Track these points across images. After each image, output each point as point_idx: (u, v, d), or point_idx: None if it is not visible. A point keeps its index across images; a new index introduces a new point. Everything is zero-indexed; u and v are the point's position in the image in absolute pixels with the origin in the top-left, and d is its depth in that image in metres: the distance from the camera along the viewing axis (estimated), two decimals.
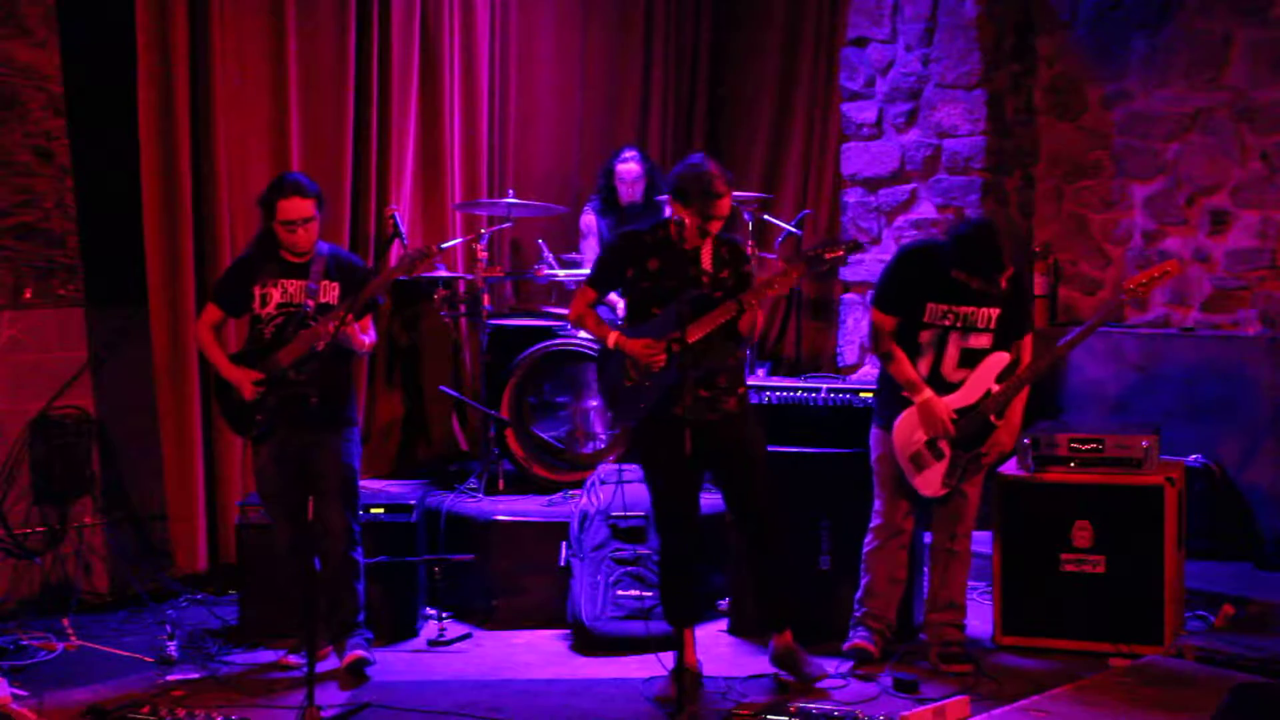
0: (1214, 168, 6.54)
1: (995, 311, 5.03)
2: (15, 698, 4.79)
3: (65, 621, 5.72)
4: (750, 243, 6.58)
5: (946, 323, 5.04)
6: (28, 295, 6.11)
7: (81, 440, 6.16)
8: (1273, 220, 6.40)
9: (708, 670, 5.12)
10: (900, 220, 7.18)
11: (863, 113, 7.31)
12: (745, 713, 4.64)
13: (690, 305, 4.68)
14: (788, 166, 7.98)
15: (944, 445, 5.05)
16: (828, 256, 4.74)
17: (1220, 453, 6.18)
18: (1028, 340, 5.17)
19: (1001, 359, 5.05)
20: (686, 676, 4.78)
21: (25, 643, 5.48)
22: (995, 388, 5.04)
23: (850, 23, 7.35)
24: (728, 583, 5.75)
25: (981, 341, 5.05)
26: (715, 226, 4.80)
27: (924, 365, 5.08)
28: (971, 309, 5.03)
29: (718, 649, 5.45)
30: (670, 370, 4.74)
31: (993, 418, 5.04)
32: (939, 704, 4.63)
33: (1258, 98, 6.40)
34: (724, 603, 5.78)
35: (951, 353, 5.06)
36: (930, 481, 5.09)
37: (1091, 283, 6.91)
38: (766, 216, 6.98)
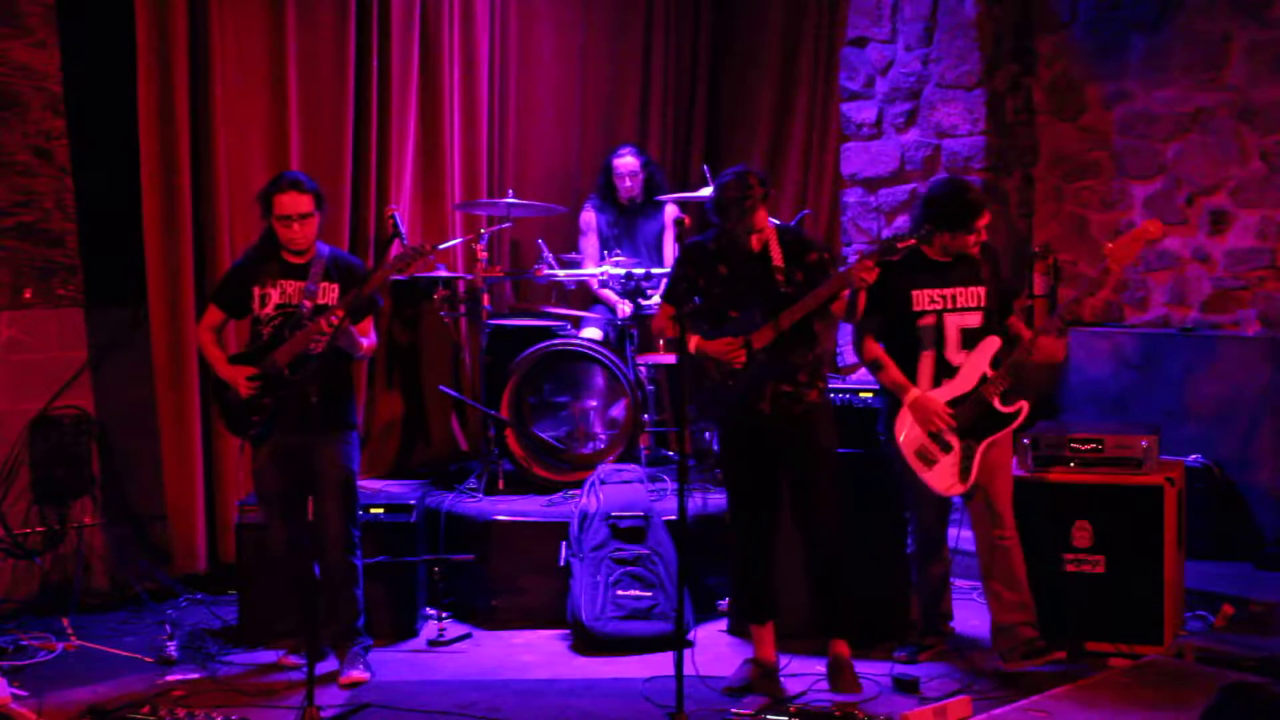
0: (1214, 168, 6.54)
1: (981, 290, 5.06)
2: (15, 698, 4.79)
3: (65, 621, 5.73)
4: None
5: (938, 306, 5.06)
6: (28, 295, 6.11)
7: (81, 440, 6.16)
8: (1273, 220, 6.40)
9: (708, 670, 5.12)
10: (900, 220, 7.18)
11: (862, 113, 7.31)
12: (745, 713, 4.65)
13: (763, 310, 4.81)
14: (788, 166, 7.97)
15: (951, 437, 5.04)
16: (900, 246, 4.74)
17: (1220, 453, 6.18)
18: (1016, 321, 5.17)
19: (994, 343, 5.05)
20: (763, 669, 4.99)
21: (25, 643, 5.48)
22: (990, 372, 5.03)
23: (850, 23, 7.36)
24: (727, 583, 5.74)
25: (975, 320, 5.06)
26: (754, 239, 4.85)
27: (928, 355, 5.07)
28: (957, 289, 5.06)
29: (717, 649, 5.45)
30: (750, 368, 4.84)
31: (996, 402, 5.01)
32: (940, 703, 4.63)
33: (1258, 98, 6.40)
34: (724, 603, 5.78)
35: (952, 335, 5.06)
36: (941, 477, 5.05)
37: (1091, 283, 6.89)
38: None
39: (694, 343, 4.93)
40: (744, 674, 5.02)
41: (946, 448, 5.04)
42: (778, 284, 4.86)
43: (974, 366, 5.04)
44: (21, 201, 6.07)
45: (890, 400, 5.17)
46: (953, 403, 5.04)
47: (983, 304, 5.06)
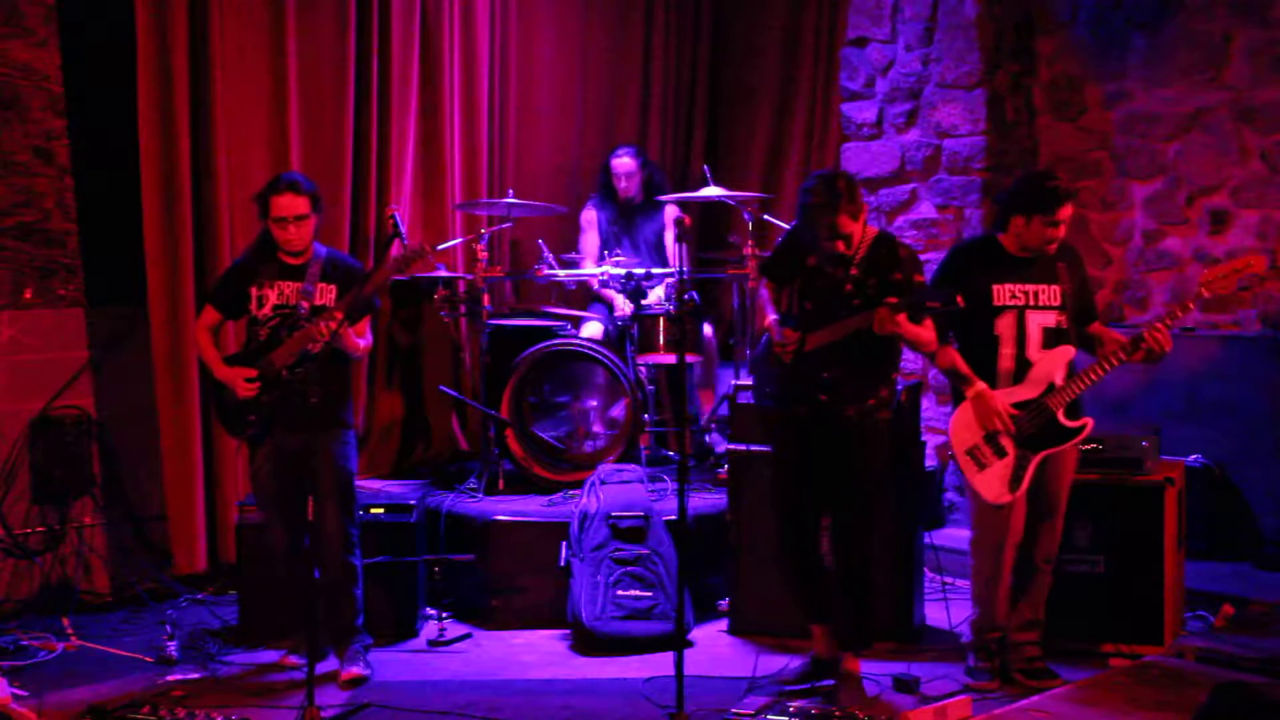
0: (1214, 168, 6.54)
1: (1058, 289, 4.88)
2: (15, 698, 4.79)
3: (65, 621, 5.73)
4: (749, 243, 6.58)
5: (1020, 302, 4.87)
6: (28, 295, 6.11)
7: (81, 440, 6.16)
8: (1273, 220, 6.40)
9: (708, 670, 5.14)
10: (900, 220, 7.17)
11: (863, 113, 7.31)
12: (746, 713, 4.64)
13: (826, 313, 4.74)
14: (788, 166, 7.98)
15: (1007, 442, 4.85)
16: (928, 305, 4.65)
17: (1220, 453, 6.18)
18: (1097, 327, 5.01)
19: (1068, 353, 4.86)
20: (818, 665, 4.95)
21: (25, 643, 5.49)
22: (1060, 382, 4.84)
23: (850, 23, 7.35)
24: (727, 583, 5.74)
25: (1056, 319, 4.87)
26: (838, 245, 4.74)
27: (1007, 351, 4.87)
28: (1038, 286, 4.88)
29: (717, 649, 5.44)
30: (795, 367, 4.79)
31: (1060, 414, 4.83)
32: (940, 704, 4.63)
33: (1258, 98, 6.39)
34: (724, 603, 5.78)
35: (1034, 334, 4.86)
36: (991, 483, 4.86)
37: (1092, 282, 6.89)
38: (766, 216, 6.98)
39: (769, 320, 4.91)
40: (802, 669, 5.00)
41: (1000, 452, 4.85)
42: (846, 292, 4.78)
43: (1044, 373, 4.84)
44: (21, 201, 6.07)
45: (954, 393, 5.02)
46: (1015, 407, 4.86)
47: (1063, 304, 4.88)
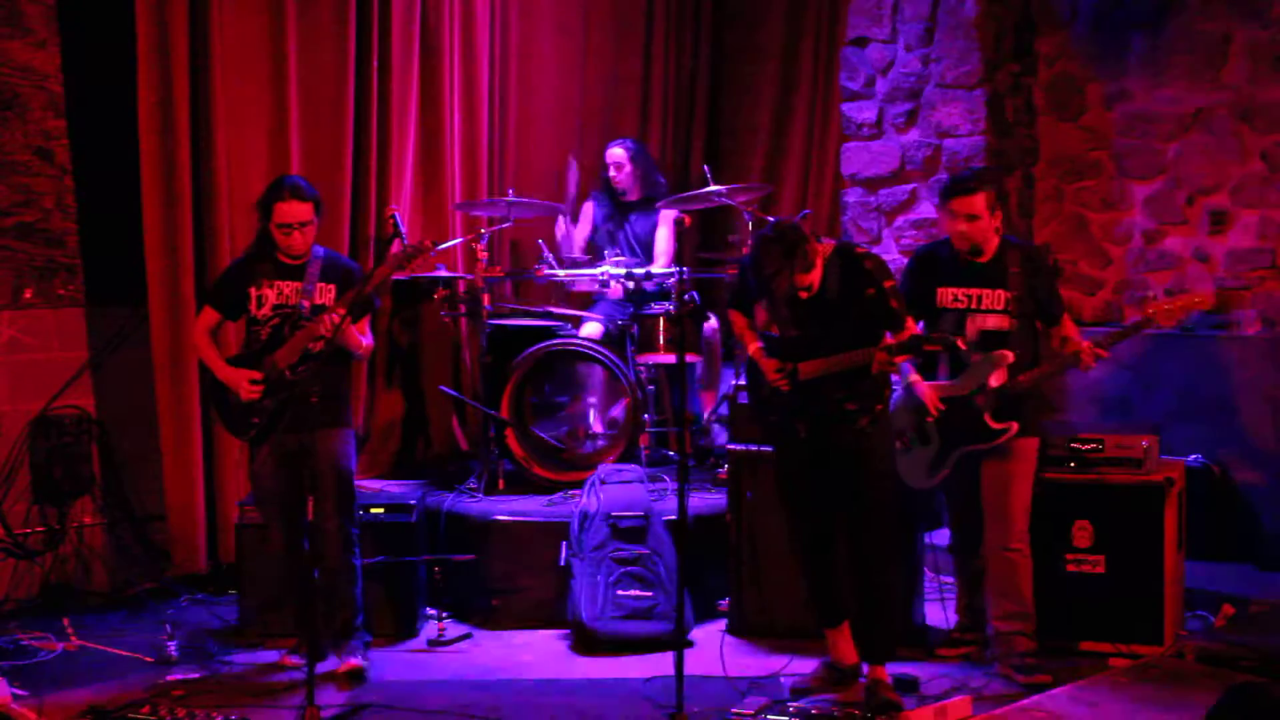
0: (1214, 168, 6.54)
1: (1004, 294, 5.02)
2: (15, 698, 4.80)
3: (65, 621, 5.73)
4: (750, 242, 6.57)
5: (961, 305, 5.06)
6: (28, 295, 6.11)
7: (81, 440, 6.17)
8: (1273, 220, 6.40)
9: (707, 670, 5.14)
10: (900, 220, 7.18)
11: (863, 113, 7.31)
12: (746, 713, 4.64)
13: (813, 344, 4.73)
14: (788, 166, 7.97)
15: (934, 432, 5.08)
16: (925, 349, 4.71)
17: (1220, 453, 6.17)
18: (1066, 323, 5.12)
19: (1004, 357, 4.99)
20: (839, 672, 4.95)
21: (25, 643, 5.49)
22: (991, 384, 4.99)
23: (850, 23, 7.35)
24: (727, 582, 5.74)
25: (997, 323, 5.03)
26: (801, 294, 4.70)
27: (944, 352, 5.02)
28: (982, 290, 5.05)
29: (717, 649, 5.44)
30: (792, 395, 4.79)
31: (987, 416, 5.00)
32: (940, 703, 4.63)
33: (1258, 98, 6.39)
34: (724, 603, 5.78)
35: (970, 336, 5.02)
36: (912, 467, 5.12)
37: (1091, 283, 6.91)
38: (767, 216, 6.97)
39: (753, 349, 4.91)
40: (817, 675, 5.00)
41: (926, 441, 5.11)
42: (827, 315, 4.75)
43: (977, 373, 5.01)
44: (21, 201, 6.08)
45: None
46: (946, 400, 5.06)
47: (1008, 308, 5.02)
